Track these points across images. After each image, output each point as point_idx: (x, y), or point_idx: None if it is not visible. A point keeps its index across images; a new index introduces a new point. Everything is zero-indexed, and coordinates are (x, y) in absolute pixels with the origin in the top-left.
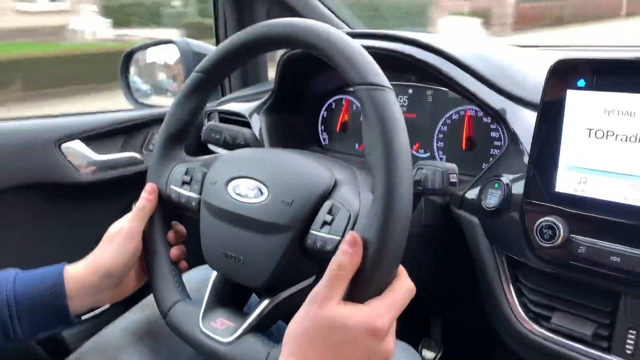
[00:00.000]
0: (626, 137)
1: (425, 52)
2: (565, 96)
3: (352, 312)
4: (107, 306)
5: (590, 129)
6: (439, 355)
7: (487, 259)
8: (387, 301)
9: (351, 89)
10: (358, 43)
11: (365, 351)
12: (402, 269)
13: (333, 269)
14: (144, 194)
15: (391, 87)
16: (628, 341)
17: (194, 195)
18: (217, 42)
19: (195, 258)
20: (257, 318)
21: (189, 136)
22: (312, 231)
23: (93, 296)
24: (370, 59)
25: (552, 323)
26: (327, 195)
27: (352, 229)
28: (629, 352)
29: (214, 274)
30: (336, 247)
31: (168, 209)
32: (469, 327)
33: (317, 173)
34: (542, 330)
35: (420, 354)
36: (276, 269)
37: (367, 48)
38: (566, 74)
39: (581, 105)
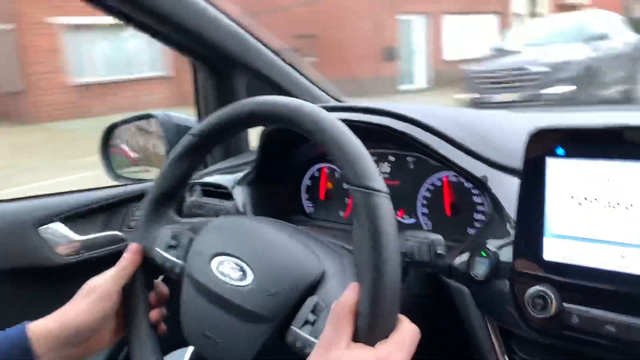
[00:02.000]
0: (609, 204)
1: (403, 124)
2: (545, 164)
3: (361, 354)
4: None
5: (572, 196)
6: None
7: (479, 329)
8: (396, 341)
9: None
10: (356, 138)
11: None
12: (401, 316)
13: (335, 309)
14: (126, 254)
15: (387, 192)
16: None
17: (178, 261)
18: (198, 114)
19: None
20: None
21: (178, 198)
22: (293, 327)
23: (57, 351)
24: (370, 161)
25: None
26: (312, 289)
27: None
28: None
29: (192, 349)
30: None
31: (151, 270)
32: None
33: (305, 262)
34: None
35: None
36: (255, 359)
37: (345, 121)
38: (544, 143)
39: (562, 173)
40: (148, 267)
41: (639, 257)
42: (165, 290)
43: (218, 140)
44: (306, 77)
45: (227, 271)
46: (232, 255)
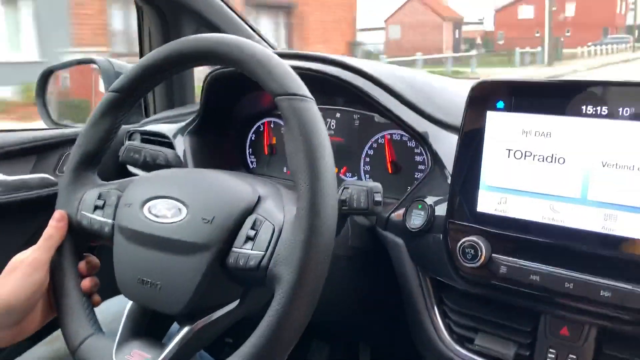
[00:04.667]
0: (543, 158)
1: (352, 75)
2: (486, 117)
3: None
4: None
5: (509, 150)
6: None
7: (412, 280)
8: None
9: (279, 112)
10: (276, 56)
11: None
12: None
13: None
14: (52, 222)
15: (312, 98)
16: None
17: (107, 220)
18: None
19: (111, 292)
20: (176, 347)
21: (101, 159)
22: (234, 248)
23: None
24: (290, 70)
25: (475, 345)
26: (250, 210)
27: (277, 242)
28: None
29: (130, 303)
30: (260, 263)
31: (79, 238)
32: (397, 356)
33: (239, 189)
34: (466, 352)
35: None
36: (196, 293)
37: (294, 68)
38: (486, 96)
39: (501, 127)
40: (76, 234)
41: (567, 210)
42: (96, 260)
43: (141, 93)
44: (254, 30)
45: (160, 212)
46: (164, 197)
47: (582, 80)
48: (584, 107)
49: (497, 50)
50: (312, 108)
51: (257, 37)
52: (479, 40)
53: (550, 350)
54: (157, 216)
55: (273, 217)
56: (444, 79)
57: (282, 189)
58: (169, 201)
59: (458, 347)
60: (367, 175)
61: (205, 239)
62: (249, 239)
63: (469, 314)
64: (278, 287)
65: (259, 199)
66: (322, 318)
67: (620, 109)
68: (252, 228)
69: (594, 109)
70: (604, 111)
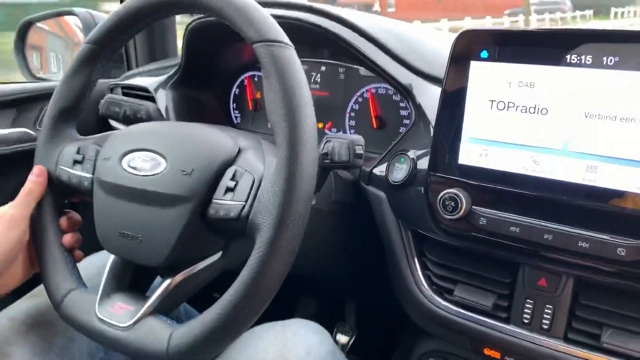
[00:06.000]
0: (526, 109)
1: (336, 24)
2: (469, 67)
3: None
4: None
5: (492, 101)
6: (353, 339)
7: (393, 233)
8: None
9: None
10: (253, 1)
11: None
12: None
13: None
14: (31, 177)
15: (291, 44)
16: (525, 311)
17: (86, 174)
18: None
19: (94, 249)
20: (159, 299)
21: (79, 113)
22: (214, 200)
23: None
24: (268, 16)
25: (454, 296)
26: (230, 162)
27: (257, 192)
28: (526, 321)
29: (112, 257)
30: (240, 213)
31: (59, 193)
32: (381, 311)
33: (219, 141)
34: (446, 303)
35: (335, 338)
36: (177, 245)
37: (277, 17)
38: (470, 45)
39: (484, 77)
40: (55, 189)
41: (549, 161)
42: (77, 216)
43: (118, 45)
44: None
45: (139, 165)
46: (143, 150)
47: (568, 29)
48: (568, 56)
49: None
50: (291, 55)
51: None
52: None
53: (528, 300)
54: (135, 169)
55: (253, 168)
56: (432, 31)
57: (263, 142)
58: (147, 154)
59: (438, 298)
60: (352, 131)
61: (185, 191)
62: (229, 190)
63: (448, 266)
64: (258, 236)
65: (240, 150)
66: (307, 272)
67: (605, 58)
68: (232, 179)
69: (578, 57)
70: (588, 60)
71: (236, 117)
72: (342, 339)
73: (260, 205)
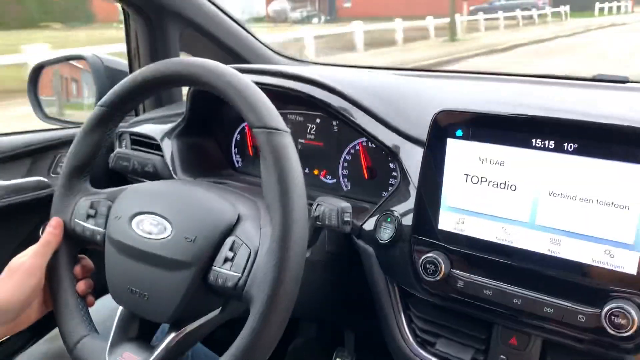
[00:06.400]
0: (497, 184)
1: (324, 93)
2: (446, 144)
3: None
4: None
5: (467, 175)
6: None
7: (381, 286)
8: None
9: None
10: (255, 85)
11: None
12: None
13: None
14: (48, 229)
15: (288, 130)
16: None
17: (98, 229)
18: (130, 62)
19: (104, 290)
20: (163, 352)
21: (93, 167)
22: (214, 267)
23: None
24: (268, 102)
25: (436, 349)
26: (229, 231)
27: (252, 266)
28: None
29: (121, 308)
30: (237, 284)
31: (74, 242)
32: (379, 340)
33: (220, 209)
34: (428, 355)
35: None
36: (180, 304)
37: (269, 86)
38: (447, 124)
39: (459, 153)
40: (70, 240)
41: (517, 232)
42: (90, 263)
43: (129, 108)
44: (242, 27)
45: (147, 228)
46: (151, 213)
47: (533, 115)
48: (533, 140)
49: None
50: (287, 143)
51: (249, 37)
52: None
53: (502, 356)
54: (144, 231)
55: (250, 240)
56: (415, 82)
57: (261, 209)
58: (155, 218)
59: (421, 350)
60: (346, 179)
61: (188, 257)
62: (227, 259)
63: (431, 321)
64: (252, 307)
65: (239, 218)
66: (304, 316)
67: (566, 144)
68: (231, 249)
69: (542, 142)
70: (551, 145)
71: (237, 162)
72: None
73: (255, 279)
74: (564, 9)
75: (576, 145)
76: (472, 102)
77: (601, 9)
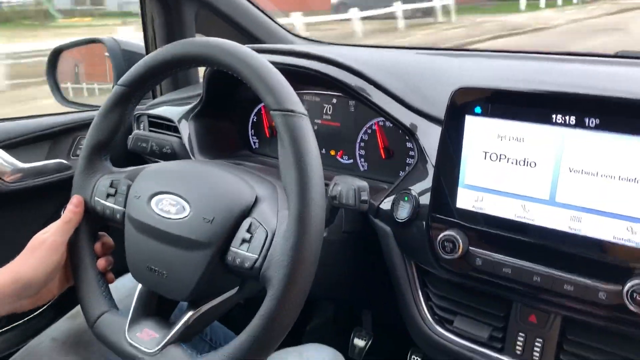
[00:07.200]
0: (516, 161)
1: (342, 72)
2: (464, 121)
3: None
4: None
5: (485, 152)
6: (369, 344)
7: (398, 265)
8: None
9: None
10: (272, 67)
11: None
12: None
13: None
14: (69, 207)
15: (306, 114)
16: (518, 343)
17: (118, 207)
18: (146, 44)
19: (124, 267)
20: (182, 328)
21: (112, 147)
22: (232, 248)
23: (10, 304)
24: (285, 84)
25: (454, 326)
26: (247, 212)
27: (269, 247)
28: (518, 352)
29: (140, 285)
30: (254, 265)
31: (94, 220)
32: (396, 318)
33: (238, 190)
34: (445, 333)
35: (352, 342)
36: (199, 284)
37: (287, 65)
38: (465, 101)
39: (478, 130)
40: (91, 217)
41: (537, 210)
42: (110, 241)
43: (147, 87)
44: (259, 9)
45: (166, 208)
46: (169, 193)
47: (554, 91)
48: (553, 116)
49: None
50: (305, 125)
51: (265, 19)
52: None
53: (520, 334)
54: (163, 211)
55: (267, 221)
56: (433, 60)
57: (278, 191)
58: (174, 197)
59: (439, 328)
60: (363, 159)
61: (206, 237)
62: (244, 241)
63: (449, 298)
64: (269, 289)
65: (256, 200)
66: (321, 296)
67: (587, 120)
68: (248, 231)
69: (563, 118)
70: (572, 121)
71: (254, 143)
72: (359, 343)
73: (272, 261)
74: None
75: (598, 121)
76: (491, 79)
77: None
